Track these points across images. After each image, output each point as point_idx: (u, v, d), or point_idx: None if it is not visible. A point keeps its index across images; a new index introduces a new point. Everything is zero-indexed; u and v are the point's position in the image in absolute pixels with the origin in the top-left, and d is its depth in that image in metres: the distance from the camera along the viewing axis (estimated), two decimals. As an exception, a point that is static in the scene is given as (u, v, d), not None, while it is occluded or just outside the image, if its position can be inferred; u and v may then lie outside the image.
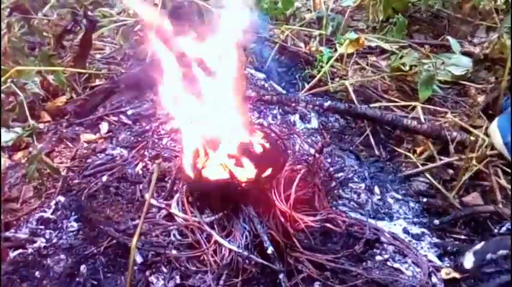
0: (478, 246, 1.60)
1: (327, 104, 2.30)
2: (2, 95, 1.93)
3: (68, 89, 2.38)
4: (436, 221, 1.83)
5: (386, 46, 2.80)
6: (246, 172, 1.61)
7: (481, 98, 2.54)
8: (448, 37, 2.81)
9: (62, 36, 2.17)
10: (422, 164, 2.11)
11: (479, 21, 3.11)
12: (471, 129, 2.21)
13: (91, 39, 2.21)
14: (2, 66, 1.99)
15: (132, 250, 1.13)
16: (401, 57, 2.60)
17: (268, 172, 1.62)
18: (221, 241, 1.52)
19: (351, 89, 2.48)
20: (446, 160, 2.12)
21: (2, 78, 1.90)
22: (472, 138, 2.05)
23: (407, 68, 2.57)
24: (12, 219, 1.74)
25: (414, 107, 2.40)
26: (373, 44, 2.87)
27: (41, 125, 2.19)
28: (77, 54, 2.24)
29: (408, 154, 2.19)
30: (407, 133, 2.28)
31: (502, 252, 1.54)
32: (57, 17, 2.77)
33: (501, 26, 2.46)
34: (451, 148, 2.13)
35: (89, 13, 2.05)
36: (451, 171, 2.11)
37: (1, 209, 1.71)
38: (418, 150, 2.20)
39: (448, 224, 1.83)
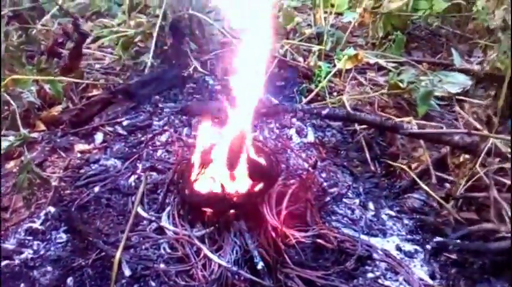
0: None
1: (325, 111, 2.26)
2: (-2, 104, 1.93)
3: (65, 98, 2.38)
4: (434, 243, 1.78)
5: (384, 63, 2.81)
6: (238, 186, 1.59)
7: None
8: (452, 49, 2.81)
9: (52, 48, 2.17)
10: (415, 181, 2.07)
11: (477, 40, 3.11)
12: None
13: (81, 52, 2.21)
14: (-1, 75, 1.99)
15: (115, 263, 1.11)
16: (399, 74, 2.60)
17: (260, 186, 1.61)
18: (211, 255, 1.50)
19: (347, 104, 2.47)
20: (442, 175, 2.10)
21: (-1, 87, 1.90)
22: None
23: (404, 84, 2.56)
24: (1, 229, 1.72)
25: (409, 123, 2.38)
26: (371, 61, 2.88)
27: (35, 135, 2.17)
28: (66, 66, 2.24)
29: (404, 167, 2.16)
30: (408, 140, 2.25)
31: None
32: (59, 26, 2.77)
33: (500, 44, 2.44)
34: (449, 159, 2.11)
35: (81, 26, 2.05)
36: (447, 185, 2.08)
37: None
38: (413, 165, 2.19)
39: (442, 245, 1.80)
